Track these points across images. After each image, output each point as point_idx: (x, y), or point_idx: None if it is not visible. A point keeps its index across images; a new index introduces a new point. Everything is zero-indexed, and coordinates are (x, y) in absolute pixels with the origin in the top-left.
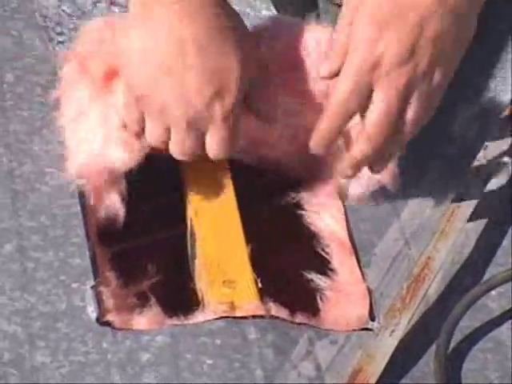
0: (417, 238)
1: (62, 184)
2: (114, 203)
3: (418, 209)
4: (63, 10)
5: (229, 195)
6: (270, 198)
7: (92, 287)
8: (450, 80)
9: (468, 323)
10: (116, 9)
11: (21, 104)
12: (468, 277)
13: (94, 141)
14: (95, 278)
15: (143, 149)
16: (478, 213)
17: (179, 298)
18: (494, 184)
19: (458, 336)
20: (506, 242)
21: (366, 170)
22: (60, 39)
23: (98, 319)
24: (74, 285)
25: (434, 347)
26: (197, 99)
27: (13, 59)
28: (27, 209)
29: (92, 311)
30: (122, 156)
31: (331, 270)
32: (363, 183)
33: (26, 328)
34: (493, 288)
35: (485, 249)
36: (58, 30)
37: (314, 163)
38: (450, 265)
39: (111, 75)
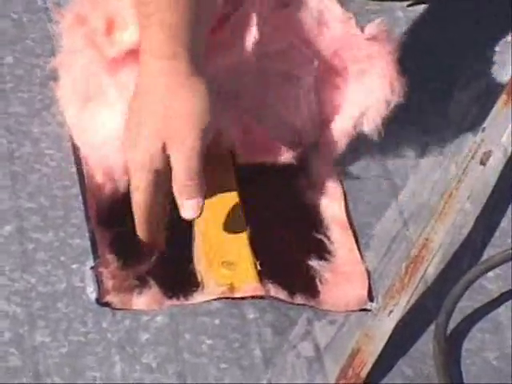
0: (415, 220)
1: (61, 165)
2: (121, 186)
3: (416, 190)
4: None
5: (228, 178)
6: (270, 180)
7: (91, 268)
8: (445, 66)
9: (467, 304)
10: None
11: (20, 86)
12: (466, 258)
13: (105, 122)
14: (95, 259)
15: None
16: (476, 194)
17: (178, 279)
18: (492, 165)
19: (456, 316)
20: (504, 224)
21: None
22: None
23: (97, 300)
24: (74, 265)
25: (432, 327)
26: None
27: (13, 42)
28: (27, 190)
29: (91, 292)
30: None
31: (330, 252)
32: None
33: (26, 308)
34: (491, 268)
35: (483, 230)
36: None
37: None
38: (449, 246)
39: (111, 28)
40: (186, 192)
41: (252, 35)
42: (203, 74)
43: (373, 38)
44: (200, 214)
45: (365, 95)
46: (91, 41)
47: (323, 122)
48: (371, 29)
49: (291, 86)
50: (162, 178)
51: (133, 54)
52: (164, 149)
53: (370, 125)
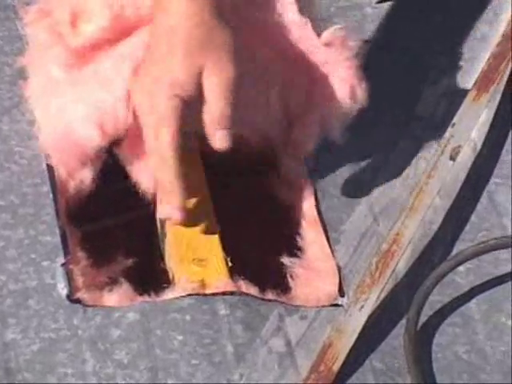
0: (385, 215)
1: (31, 163)
2: (84, 182)
3: (386, 186)
4: None
5: (198, 174)
6: (240, 177)
7: (62, 265)
8: (415, 61)
9: (437, 298)
10: None
11: None
12: (437, 252)
13: (67, 114)
14: (65, 256)
15: (117, 132)
16: (446, 189)
17: (150, 277)
18: (461, 160)
19: (427, 311)
20: (474, 218)
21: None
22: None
23: (68, 296)
24: (45, 263)
25: (403, 322)
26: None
27: None
28: None
29: (62, 288)
30: (94, 134)
31: (301, 249)
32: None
33: None
34: (461, 263)
35: (453, 224)
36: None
37: (275, 142)
38: (419, 241)
39: (76, 20)
40: (223, 122)
41: None
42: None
43: (329, 44)
44: (230, 146)
45: (327, 99)
46: (55, 32)
47: (291, 123)
48: (327, 34)
49: (260, 87)
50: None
51: (96, 47)
52: (199, 75)
53: (333, 129)
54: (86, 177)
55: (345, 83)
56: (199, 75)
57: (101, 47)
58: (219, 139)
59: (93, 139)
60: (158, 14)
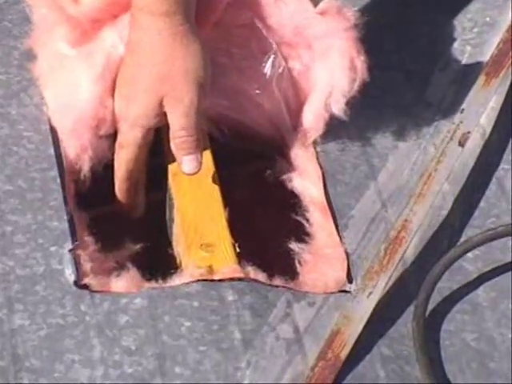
0: (394, 201)
1: (39, 148)
2: (92, 168)
3: (395, 172)
4: None
5: (207, 160)
6: (248, 163)
7: (70, 250)
8: (424, 47)
9: (445, 285)
10: None
11: None
12: (445, 239)
13: (76, 80)
14: (73, 242)
15: None
16: (454, 175)
17: (157, 262)
18: (470, 146)
19: (435, 298)
20: (483, 204)
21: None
22: None
23: (75, 282)
24: (52, 248)
25: (411, 309)
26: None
27: None
28: (5, 173)
29: (70, 274)
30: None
31: (309, 234)
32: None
33: (4, 291)
34: (470, 249)
35: (462, 211)
36: None
37: (284, 128)
38: (428, 227)
39: None
40: (186, 148)
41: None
42: (197, 33)
43: (324, 13)
44: (199, 168)
45: (329, 74)
46: (56, 4)
47: (298, 106)
48: (323, 4)
49: (262, 70)
50: (151, 135)
51: (97, 21)
52: (160, 105)
53: (337, 105)
54: (98, 150)
55: (344, 55)
56: (160, 105)
57: (102, 21)
58: (185, 165)
59: (106, 102)
60: (131, 30)
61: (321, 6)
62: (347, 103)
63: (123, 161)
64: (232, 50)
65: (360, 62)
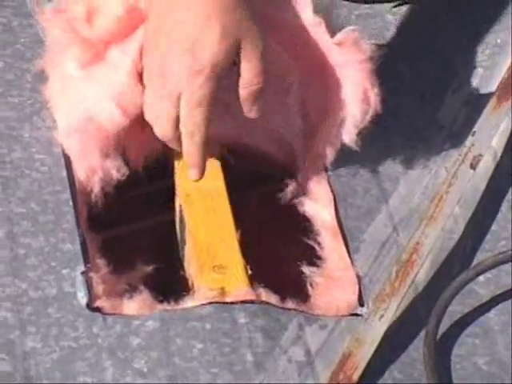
0: (405, 224)
1: (52, 170)
2: (103, 189)
3: (406, 195)
4: None
5: (219, 181)
6: (260, 186)
7: (82, 273)
8: (436, 69)
9: (456, 308)
10: None
11: (11, 91)
12: (457, 262)
13: (86, 103)
14: (85, 264)
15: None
16: (466, 198)
17: (169, 284)
18: (482, 169)
19: (446, 321)
20: (495, 227)
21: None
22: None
23: (88, 305)
24: (65, 271)
25: (422, 333)
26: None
27: (2, 46)
28: (17, 195)
29: (82, 297)
30: (115, 112)
31: (321, 258)
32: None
33: (17, 313)
34: (481, 273)
35: (473, 234)
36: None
37: (295, 153)
38: (439, 250)
39: (92, 16)
40: (257, 96)
41: None
42: None
43: (341, 44)
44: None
45: (342, 104)
46: (70, 27)
47: (310, 131)
48: (340, 35)
49: (279, 96)
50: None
51: (110, 42)
52: (237, 50)
53: (348, 135)
54: (107, 171)
55: (357, 87)
56: (237, 50)
57: (115, 41)
58: (254, 110)
59: (114, 118)
60: None
61: (338, 36)
62: (359, 134)
63: (202, 121)
64: None
65: (373, 95)
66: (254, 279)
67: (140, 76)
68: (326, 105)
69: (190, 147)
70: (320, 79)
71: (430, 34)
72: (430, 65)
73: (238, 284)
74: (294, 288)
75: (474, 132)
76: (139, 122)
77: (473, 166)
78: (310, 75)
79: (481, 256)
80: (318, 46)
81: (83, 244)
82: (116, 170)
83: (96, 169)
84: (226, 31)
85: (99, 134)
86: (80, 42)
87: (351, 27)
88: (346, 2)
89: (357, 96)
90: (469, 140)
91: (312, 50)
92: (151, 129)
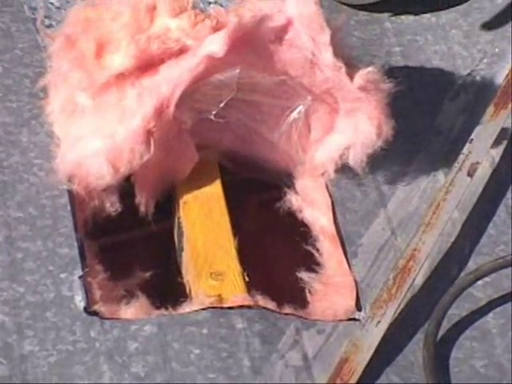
0: (403, 228)
1: (49, 175)
2: (102, 198)
3: (404, 199)
4: (51, 3)
5: (216, 188)
6: (259, 193)
7: (80, 277)
8: (434, 77)
9: (455, 312)
10: None
11: (9, 96)
12: (454, 265)
13: (82, 146)
14: (83, 268)
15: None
16: (463, 204)
17: (167, 290)
18: (479, 176)
19: (444, 325)
20: (492, 231)
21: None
22: (48, 32)
23: (85, 309)
24: (62, 275)
25: (419, 336)
26: None
27: (1, 51)
28: (15, 199)
29: (80, 301)
30: (105, 171)
31: (319, 264)
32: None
33: (15, 317)
34: (480, 278)
35: (471, 238)
36: (47, 22)
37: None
38: (437, 254)
39: (101, 51)
40: None
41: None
42: None
43: (363, 89)
44: None
45: (352, 131)
46: (79, 64)
47: (311, 148)
48: (361, 79)
49: (284, 117)
50: None
51: (119, 77)
52: None
53: (355, 159)
54: (103, 195)
55: (373, 119)
56: None
57: (126, 77)
58: None
59: (103, 176)
60: None
61: (359, 81)
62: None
63: None
64: (260, 101)
65: (386, 127)
66: (252, 286)
67: (147, 135)
68: (333, 128)
69: None
70: (332, 106)
71: (428, 41)
72: (428, 72)
73: (235, 291)
74: (291, 294)
75: (472, 140)
76: None
77: (470, 174)
78: (322, 102)
79: (479, 260)
80: (335, 83)
81: (81, 249)
82: (110, 204)
83: (90, 192)
84: None
85: (88, 181)
86: (88, 71)
87: (370, 68)
88: (346, 7)
89: (371, 127)
90: (466, 147)
91: (329, 83)
92: None
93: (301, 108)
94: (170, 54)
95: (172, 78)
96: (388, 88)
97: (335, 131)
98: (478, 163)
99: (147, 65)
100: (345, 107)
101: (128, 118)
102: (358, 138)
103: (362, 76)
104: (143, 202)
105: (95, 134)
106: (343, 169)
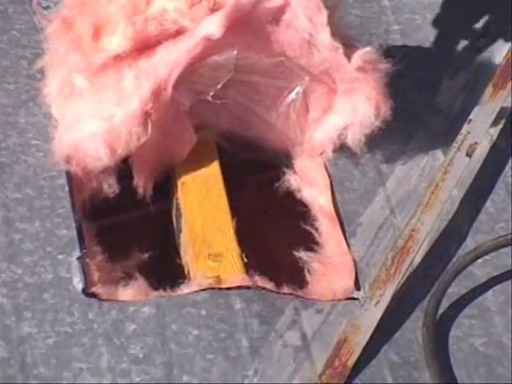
0: (402, 207)
1: (47, 156)
2: (100, 180)
3: (403, 177)
4: None
5: (215, 170)
6: (257, 174)
7: (78, 258)
8: (433, 55)
9: (454, 290)
10: None
11: (6, 77)
12: (453, 243)
13: (79, 128)
14: (81, 250)
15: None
16: (462, 183)
17: (165, 272)
18: (477, 155)
19: (443, 303)
20: (492, 209)
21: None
22: (45, 13)
23: (83, 290)
24: (61, 256)
25: (418, 314)
26: None
27: None
28: (13, 181)
29: (78, 282)
30: (102, 153)
31: (318, 243)
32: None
33: (13, 299)
34: (480, 256)
35: (470, 216)
36: (44, 4)
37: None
38: (436, 231)
39: (98, 33)
40: None
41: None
42: None
43: (361, 69)
44: None
45: (350, 111)
46: (76, 47)
47: (310, 129)
48: (359, 59)
49: (282, 98)
50: None
51: (117, 59)
52: None
53: (353, 139)
54: (101, 177)
55: (371, 99)
56: None
57: (123, 59)
58: None
59: (100, 158)
60: None
61: (357, 62)
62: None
63: None
64: (258, 82)
65: (384, 107)
66: (250, 267)
67: (145, 117)
68: (331, 108)
69: None
70: (330, 86)
71: (427, 19)
72: (427, 50)
73: (233, 272)
74: (290, 274)
75: (470, 120)
76: None
77: (469, 154)
78: (320, 82)
79: (478, 237)
80: (333, 63)
81: (79, 230)
82: (108, 185)
83: (88, 172)
84: None
85: (85, 164)
86: (86, 54)
87: (368, 48)
88: None
89: (369, 107)
90: (465, 128)
91: (326, 63)
92: None
93: (299, 89)
94: (167, 36)
95: (169, 60)
96: (386, 68)
97: (333, 111)
98: (476, 143)
99: (144, 46)
100: (343, 87)
101: (125, 100)
102: (356, 118)
103: (359, 56)
104: (141, 183)
105: (92, 116)
106: (341, 148)
